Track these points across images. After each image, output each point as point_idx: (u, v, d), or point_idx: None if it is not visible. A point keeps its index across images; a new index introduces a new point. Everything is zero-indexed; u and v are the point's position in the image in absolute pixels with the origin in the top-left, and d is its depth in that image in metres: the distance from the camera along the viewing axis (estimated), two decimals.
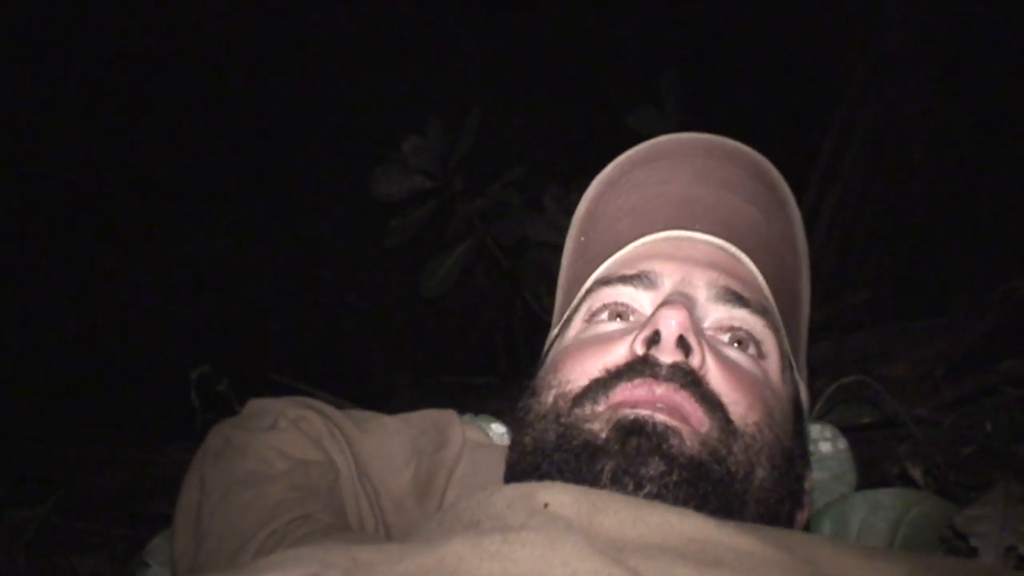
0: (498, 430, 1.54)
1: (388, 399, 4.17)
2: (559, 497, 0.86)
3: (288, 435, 1.29)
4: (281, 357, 5.22)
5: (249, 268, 5.72)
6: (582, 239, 1.27)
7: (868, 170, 4.57)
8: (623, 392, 1.00)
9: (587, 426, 0.99)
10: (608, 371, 1.03)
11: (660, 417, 0.95)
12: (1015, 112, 4.29)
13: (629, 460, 0.93)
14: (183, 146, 5.62)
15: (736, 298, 1.11)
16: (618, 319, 1.14)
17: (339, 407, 1.40)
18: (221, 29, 5.59)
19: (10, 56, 5.21)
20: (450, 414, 1.42)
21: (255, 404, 1.39)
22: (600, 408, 1.00)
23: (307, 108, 5.73)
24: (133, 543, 2.82)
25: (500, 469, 1.15)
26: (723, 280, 1.12)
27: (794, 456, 1.07)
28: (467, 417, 1.50)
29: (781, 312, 1.17)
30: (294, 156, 5.77)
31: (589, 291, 1.19)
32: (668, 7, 5.74)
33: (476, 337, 5.38)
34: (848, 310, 3.75)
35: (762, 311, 1.12)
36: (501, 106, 5.36)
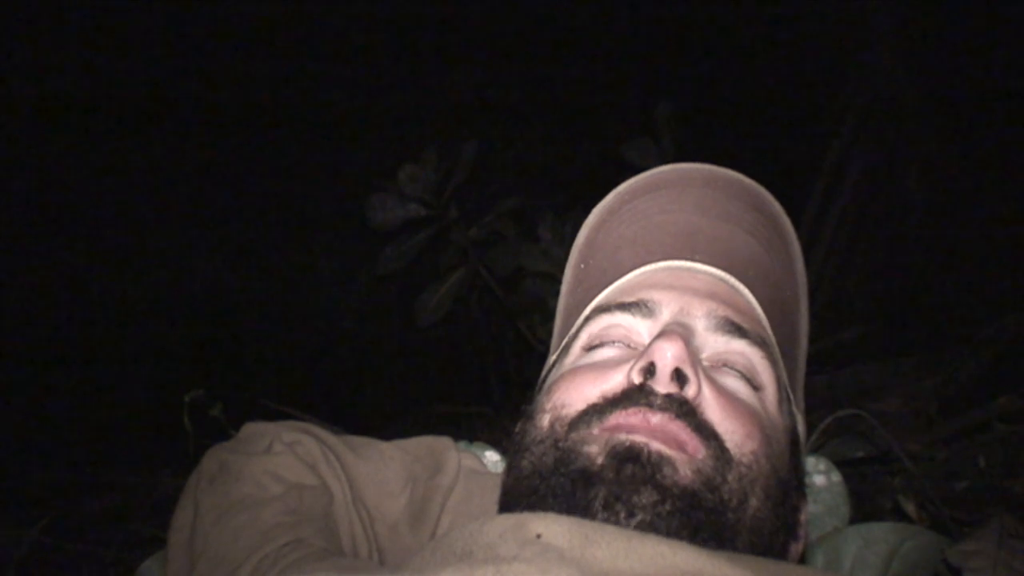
0: (492, 458, 1.54)
1: (380, 427, 4.16)
2: (551, 528, 0.86)
3: (283, 459, 1.29)
4: (274, 383, 5.20)
5: (243, 293, 5.71)
6: (582, 266, 1.27)
7: (862, 206, 4.59)
8: (617, 418, 1.00)
9: (585, 448, 0.98)
10: (605, 397, 1.03)
11: (656, 445, 0.95)
12: (1008, 149, 4.32)
13: (623, 487, 0.93)
14: (178, 170, 5.63)
15: (735, 328, 1.11)
16: (615, 346, 1.14)
17: (332, 433, 1.40)
18: (219, 53, 5.61)
19: (7, 75, 5.22)
20: (446, 441, 1.42)
21: (250, 428, 1.39)
22: (595, 431, 1.00)
23: (303, 135, 5.75)
24: (124, 565, 2.81)
25: (495, 496, 1.14)
26: (722, 311, 1.12)
27: (790, 487, 1.07)
28: (462, 444, 1.50)
29: (779, 344, 1.17)
30: (290, 182, 5.77)
31: (588, 318, 1.20)
32: (665, 40, 5.77)
33: (469, 366, 5.37)
34: (842, 345, 3.75)
35: (760, 342, 1.12)
36: (497, 136, 5.37)
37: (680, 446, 0.97)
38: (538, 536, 0.85)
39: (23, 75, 5.35)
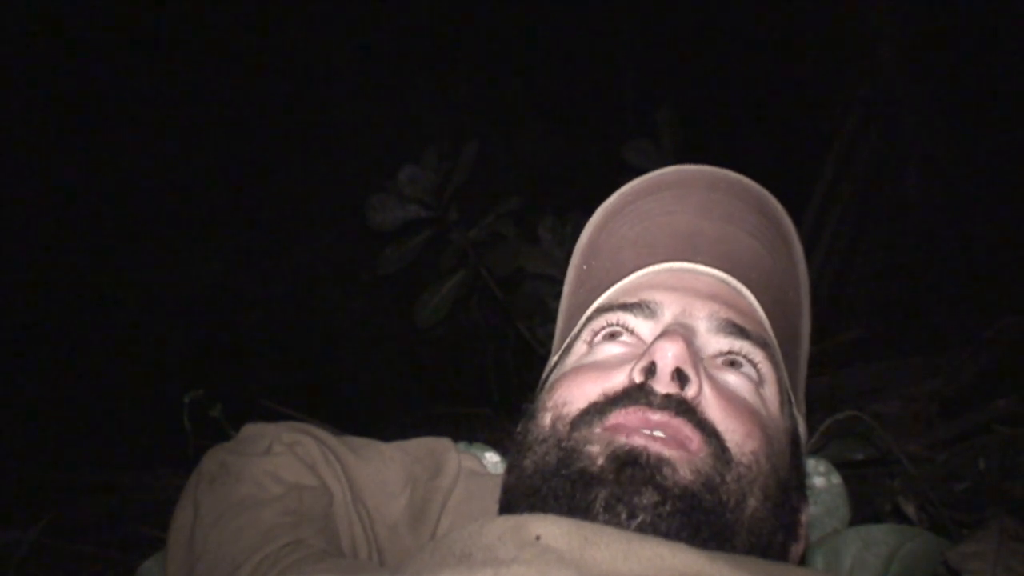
0: (492, 459, 1.53)
1: (380, 427, 4.16)
2: (550, 529, 0.86)
3: (283, 460, 1.28)
4: (273, 384, 5.20)
5: (242, 295, 5.71)
6: (584, 267, 1.27)
7: (862, 208, 4.59)
8: (618, 417, 1.00)
9: (587, 449, 0.98)
10: (606, 396, 1.03)
11: (655, 447, 0.95)
12: (1008, 150, 4.32)
13: (623, 489, 0.93)
14: (177, 172, 5.63)
15: (737, 330, 1.11)
16: (616, 339, 1.15)
17: (332, 434, 1.39)
18: (218, 56, 5.60)
19: (7, 79, 5.22)
20: (446, 442, 1.42)
21: (250, 429, 1.39)
22: (597, 430, 1.00)
23: (303, 136, 5.74)
24: (124, 567, 2.80)
25: (495, 497, 1.14)
26: (724, 312, 1.12)
27: (790, 488, 1.06)
28: (461, 445, 1.50)
29: (781, 346, 1.17)
30: (289, 183, 5.77)
31: (590, 318, 1.20)
32: (666, 43, 5.78)
33: (469, 368, 5.37)
34: (843, 346, 3.75)
35: (763, 343, 1.12)
36: (497, 137, 5.37)
37: (682, 443, 0.97)
38: (537, 538, 0.85)
39: (27, 76, 5.36)
